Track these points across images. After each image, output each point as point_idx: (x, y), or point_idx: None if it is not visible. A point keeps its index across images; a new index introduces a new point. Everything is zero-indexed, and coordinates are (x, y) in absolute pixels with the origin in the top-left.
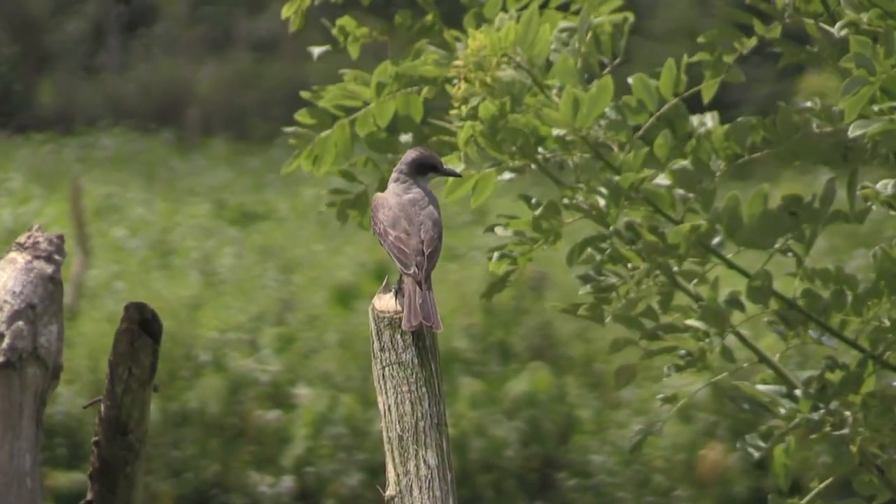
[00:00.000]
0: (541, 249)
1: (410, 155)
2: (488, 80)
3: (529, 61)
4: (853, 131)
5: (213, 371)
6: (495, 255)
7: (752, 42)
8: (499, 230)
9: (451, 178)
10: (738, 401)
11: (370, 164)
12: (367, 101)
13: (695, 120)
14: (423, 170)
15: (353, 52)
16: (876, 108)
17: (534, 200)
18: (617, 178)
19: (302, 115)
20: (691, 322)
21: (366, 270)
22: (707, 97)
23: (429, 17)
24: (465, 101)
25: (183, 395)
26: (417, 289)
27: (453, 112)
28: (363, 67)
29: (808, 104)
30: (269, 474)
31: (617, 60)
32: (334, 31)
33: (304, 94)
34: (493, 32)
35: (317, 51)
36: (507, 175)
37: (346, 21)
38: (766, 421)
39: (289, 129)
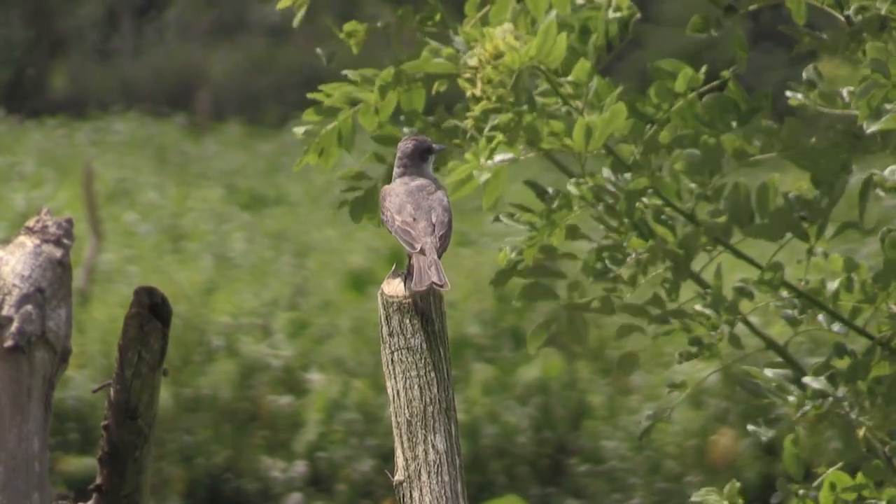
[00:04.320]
0: (547, 238)
1: (407, 145)
2: (506, 81)
3: (547, 67)
4: (868, 127)
5: (226, 356)
6: (508, 248)
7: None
8: (503, 218)
9: (453, 178)
10: (748, 385)
11: (376, 159)
12: (372, 103)
13: None
14: (424, 155)
15: (355, 49)
16: (888, 106)
17: (550, 191)
18: (627, 176)
19: (308, 114)
20: (700, 308)
21: (379, 256)
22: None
23: (434, 14)
24: (479, 100)
25: (195, 380)
26: (426, 258)
27: (469, 119)
28: (368, 56)
29: (813, 75)
30: (282, 459)
31: (623, 43)
32: (342, 36)
33: (311, 95)
34: (511, 44)
35: (324, 53)
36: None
37: (352, 25)
38: (775, 408)
39: (298, 129)
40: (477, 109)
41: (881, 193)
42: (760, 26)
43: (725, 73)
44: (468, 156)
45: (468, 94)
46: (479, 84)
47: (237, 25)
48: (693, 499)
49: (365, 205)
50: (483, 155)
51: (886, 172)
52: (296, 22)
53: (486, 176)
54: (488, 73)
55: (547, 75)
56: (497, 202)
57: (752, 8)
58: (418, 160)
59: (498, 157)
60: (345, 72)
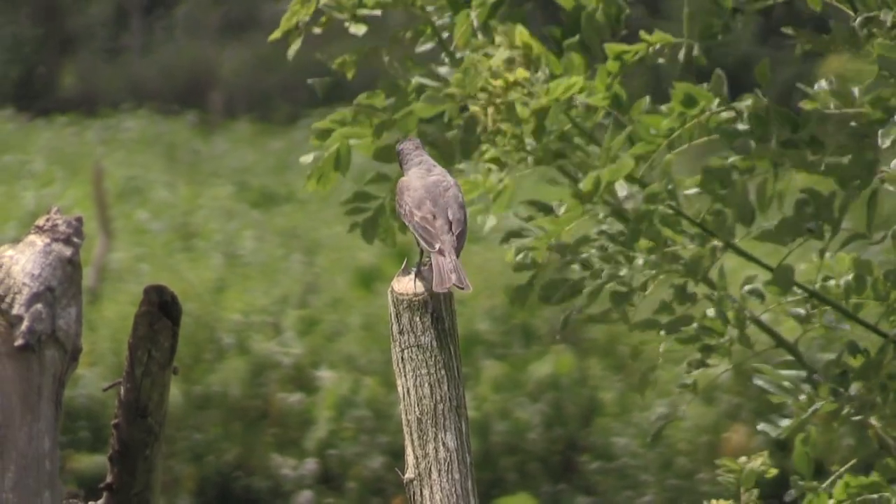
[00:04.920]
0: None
1: (411, 142)
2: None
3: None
4: (882, 140)
5: (236, 354)
6: (514, 249)
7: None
8: (515, 216)
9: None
10: (762, 384)
11: (379, 179)
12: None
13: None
14: (422, 153)
15: (350, 75)
16: None
17: (553, 206)
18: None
19: (314, 141)
20: (710, 311)
21: (389, 253)
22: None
23: (426, 29)
24: (493, 125)
25: (206, 378)
26: (446, 258)
27: (484, 146)
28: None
29: (825, 84)
30: (292, 457)
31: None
32: (335, 66)
33: (314, 126)
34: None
35: (316, 85)
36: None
37: (341, 59)
38: (787, 406)
39: (305, 159)
40: (488, 154)
41: (889, 188)
42: (772, 22)
43: (748, 98)
44: (474, 177)
45: (480, 118)
46: (490, 117)
47: (247, 23)
48: None
49: (375, 225)
50: (489, 174)
51: (893, 164)
52: (290, 53)
53: (496, 193)
54: (496, 111)
55: (563, 112)
56: (508, 205)
57: (759, 6)
58: (422, 155)
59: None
60: (356, 101)
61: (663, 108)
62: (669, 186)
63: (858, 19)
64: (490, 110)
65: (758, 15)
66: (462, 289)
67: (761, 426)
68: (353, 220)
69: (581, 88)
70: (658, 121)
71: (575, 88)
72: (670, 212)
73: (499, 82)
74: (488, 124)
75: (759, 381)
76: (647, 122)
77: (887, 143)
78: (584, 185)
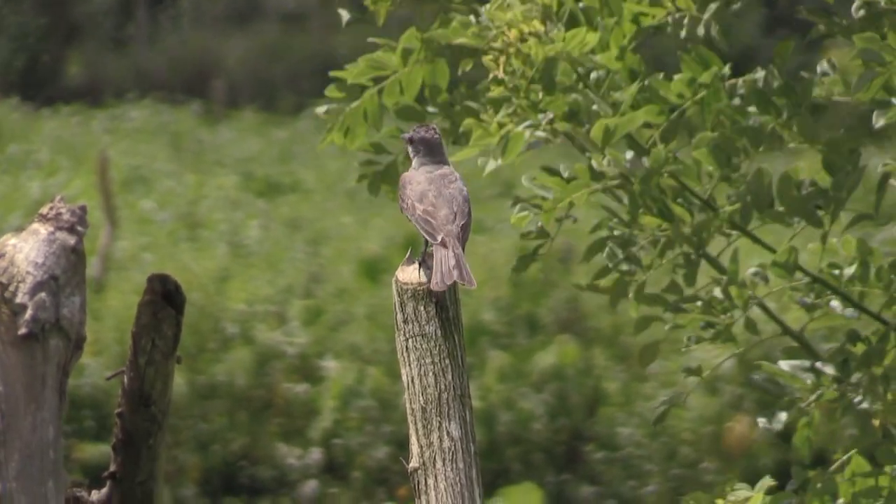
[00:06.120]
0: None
1: (429, 134)
2: (524, 82)
3: (576, 60)
4: (876, 121)
5: (241, 344)
6: (521, 212)
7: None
8: (526, 181)
9: (475, 133)
10: (760, 383)
11: (398, 132)
12: (395, 70)
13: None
14: (441, 145)
15: (380, 15)
16: (895, 100)
17: (565, 174)
18: (646, 158)
19: (331, 91)
20: (716, 293)
21: (394, 243)
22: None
23: None
24: (504, 77)
25: (211, 367)
26: (448, 251)
27: (492, 94)
28: (390, 37)
29: (826, 68)
30: (297, 447)
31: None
32: (367, 1)
33: (334, 73)
34: (537, 30)
35: (346, 16)
36: (539, 133)
37: None
38: (789, 395)
39: (320, 109)
40: (494, 92)
41: (894, 183)
42: (777, 12)
43: (752, 75)
44: (482, 127)
45: (491, 75)
46: (501, 68)
47: (252, 12)
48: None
49: (386, 178)
50: (496, 131)
51: None
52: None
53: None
54: (512, 60)
55: (573, 65)
56: (516, 159)
57: None
58: (439, 148)
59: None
60: (371, 39)
61: (675, 76)
62: (675, 153)
63: (856, 3)
64: (502, 60)
65: (763, 6)
66: (464, 284)
67: (762, 421)
68: (364, 171)
69: (594, 47)
70: (668, 86)
71: (590, 44)
72: (674, 182)
73: (513, 32)
74: (500, 74)
75: (760, 384)
76: (658, 86)
77: (882, 122)
78: (594, 132)
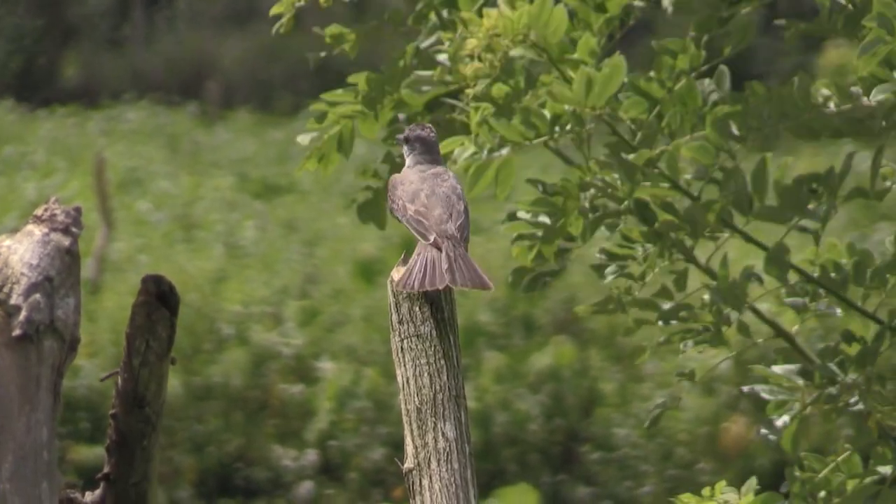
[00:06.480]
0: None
1: (424, 132)
2: (497, 63)
3: (544, 40)
4: (874, 95)
5: (237, 345)
6: (518, 244)
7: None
8: (521, 214)
9: (470, 173)
10: (753, 393)
11: (387, 160)
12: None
13: (706, 83)
14: (437, 144)
15: (351, 53)
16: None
17: (547, 184)
18: (632, 155)
19: (311, 124)
20: (707, 297)
21: (390, 244)
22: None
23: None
24: (476, 80)
25: (206, 368)
26: (441, 254)
27: (468, 91)
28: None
29: (824, 88)
30: (293, 448)
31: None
32: (327, 40)
33: (314, 107)
34: (505, 14)
35: (313, 58)
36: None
37: (334, 28)
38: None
39: (302, 138)
40: (470, 73)
41: (888, 183)
42: (776, 13)
43: (726, 51)
44: (466, 141)
45: (463, 71)
46: (474, 63)
47: (248, 13)
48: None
49: (374, 207)
50: (480, 142)
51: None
52: (282, 28)
53: (489, 159)
54: (483, 51)
55: (547, 51)
56: (510, 191)
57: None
58: (435, 147)
59: (503, 150)
60: (349, 79)
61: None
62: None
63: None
64: (478, 62)
65: (763, 6)
66: (484, 287)
67: (763, 432)
68: (354, 197)
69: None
70: (650, 85)
71: (555, 22)
72: (666, 184)
73: (484, 24)
74: (468, 71)
75: (750, 390)
76: (635, 81)
77: (880, 97)
78: (575, 83)
